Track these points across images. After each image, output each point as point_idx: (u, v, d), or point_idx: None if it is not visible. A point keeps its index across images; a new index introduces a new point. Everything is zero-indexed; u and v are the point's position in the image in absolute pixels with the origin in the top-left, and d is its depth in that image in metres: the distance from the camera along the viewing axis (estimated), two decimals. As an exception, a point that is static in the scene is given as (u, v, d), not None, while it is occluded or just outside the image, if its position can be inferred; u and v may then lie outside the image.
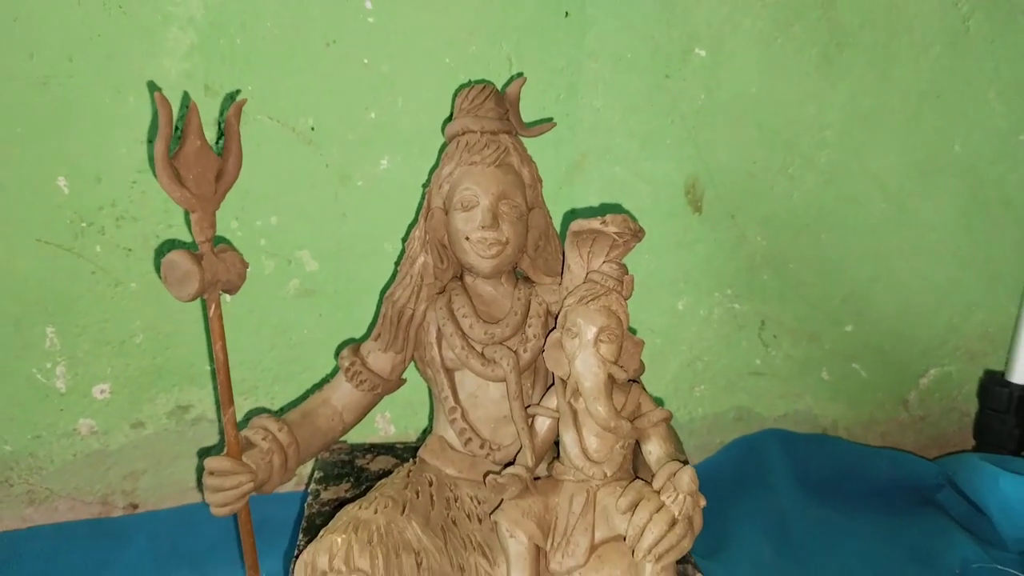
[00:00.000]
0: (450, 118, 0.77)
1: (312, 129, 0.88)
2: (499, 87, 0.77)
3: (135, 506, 0.96)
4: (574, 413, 0.67)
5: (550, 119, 0.83)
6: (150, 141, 0.85)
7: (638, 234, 0.68)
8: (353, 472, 0.83)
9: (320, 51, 0.86)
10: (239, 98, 0.72)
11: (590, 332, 0.66)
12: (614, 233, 0.66)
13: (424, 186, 0.79)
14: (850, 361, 1.10)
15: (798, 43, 0.96)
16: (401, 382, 0.78)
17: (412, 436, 1.00)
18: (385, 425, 0.99)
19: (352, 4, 0.86)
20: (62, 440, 0.92)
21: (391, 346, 0.76)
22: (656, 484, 0.62)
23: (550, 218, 0.77)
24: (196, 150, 0.63)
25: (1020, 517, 0.92)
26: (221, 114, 0.85)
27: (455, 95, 0.78)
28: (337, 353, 0.79)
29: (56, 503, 0.93)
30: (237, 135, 0.65)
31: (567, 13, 0.90)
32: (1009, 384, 1.05)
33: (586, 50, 0.92)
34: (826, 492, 1.02)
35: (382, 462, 0.85)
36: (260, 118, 0.87)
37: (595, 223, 0.67)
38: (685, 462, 0.66)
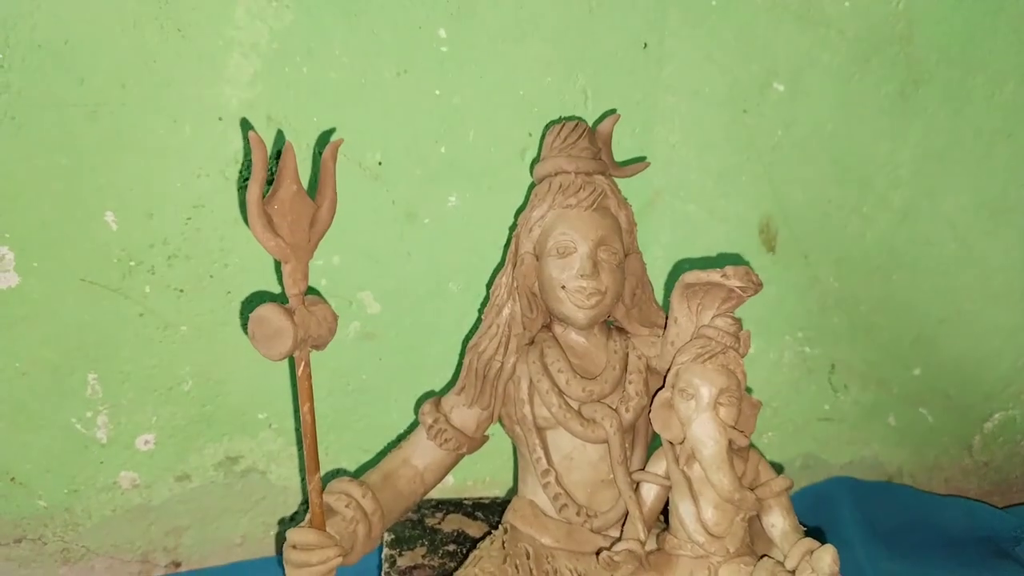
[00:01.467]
0: (537, 157, 0.73)
1: (379, 164, 0.83)
2: (574, 120, 0.72)
3: (178, 564, 0.89)
4: (688, 482, 0.63)
5: (643, 158, 0.78)
6: (228, 175, 0.79)
7: (759, 287, 0.63)
8: (426, 534, 0.77)
9: (390, 81, 0.81)
10: (330, 139, 0.67)
11: (709, 394, 0.61)
12: (738, 288, 0.62)
13: (511, 229, 0.74)
14: (917, 406, 1.06)
15: (875, 79, 0.93)
16: (485, 439, 0.73)
17: (472, 489, 0.95)
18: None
19: (425, 32, 0.81)
20: (101, 494, 0.85)
21: (476, 401, 0.71)
22: (790, 563, 0.58)
23: (644, 264, 0.73)
24: (292, 195, 0.57)
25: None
26: (279, 136, 0.79)
27: (544, 132, 0.73)
28: (417, 407, 0.73)
29: (93, 562, 0.87)
30: (333, 177, 0.60)
31: (645, 45, 0.86)
32: (1085, 431, 1.02)
33: (663, 83, 0.88)
34: (898, 543, 0.98)
35: (454, 522, 0.80)
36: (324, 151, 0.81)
37: (715, 276, 0.62)
38: (810, 535, 0.61)
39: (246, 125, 0.79)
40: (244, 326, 0.82)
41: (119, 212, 0.79)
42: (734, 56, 0.89)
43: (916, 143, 0.96)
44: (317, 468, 0.62)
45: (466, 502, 0.84)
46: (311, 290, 0.66)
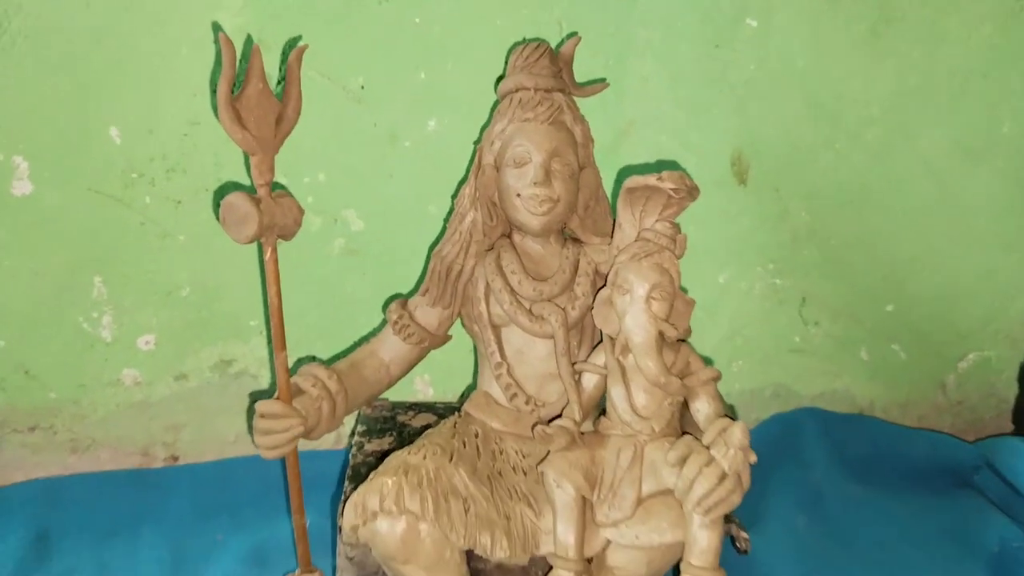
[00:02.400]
0: (503, 76, 0.77)
1: (362, 88, 0.89)
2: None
3: (176, 458, 0.97)
4: (623, 369, 0.67)
5: (603, 79, 0.82)
6: (212, 91, 0.86)
7: (693, 192, 0.68)
8: (396, 427, 0.84)
9: (373, 8, 0.87)
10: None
11: (642, 289, 0.66)
12: (670, 190, 0.66)
13: (476, 144, 0.79)
14: (890, 342, 1.09)
15: (847, 16, 0.95)
16: (447, 338, 0.79)
17: (452, 398, 1.01)
18: (424, 387, 1.00)
19: (407, -37, 0.86)
20: (106, 389, 0.93)
21: (439, 301, 0.76)
22: (706, 439, 0.62)
23: (600, 179, 0.77)
24: (258, 92, 0.63)
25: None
26: (280, 69, 0.85)
27: (509, 53, 0.78)
28: (384, 308, 0.79)
29: (98, 452, 0.95)
30: (298, 80, 0.65)
31: (620, -22, 0.90)
32: (1052, 369, 1.04)
33: (637, 16, 0.92)
34: (862, 471, 1.02)
35: (424, 419, 0.86)
36: (311, 74, 0.87)
37: (651, 179, 0.67)
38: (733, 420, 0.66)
39: (238, 49, 0.85)
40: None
41: (122, 127, 0.86)
42: (706, -9, 0.92)
43: (889, 81, 0.99)
44: (283, 346, 0.68)
45: (439, 405, 0.90)
46: (278, 185, 0.72)
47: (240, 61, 0.76)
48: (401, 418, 0.86)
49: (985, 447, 1.02)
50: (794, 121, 0.98)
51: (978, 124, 1.02)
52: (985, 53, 0.99)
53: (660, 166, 0.97)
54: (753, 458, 0.61)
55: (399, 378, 0.78)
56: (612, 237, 0.72)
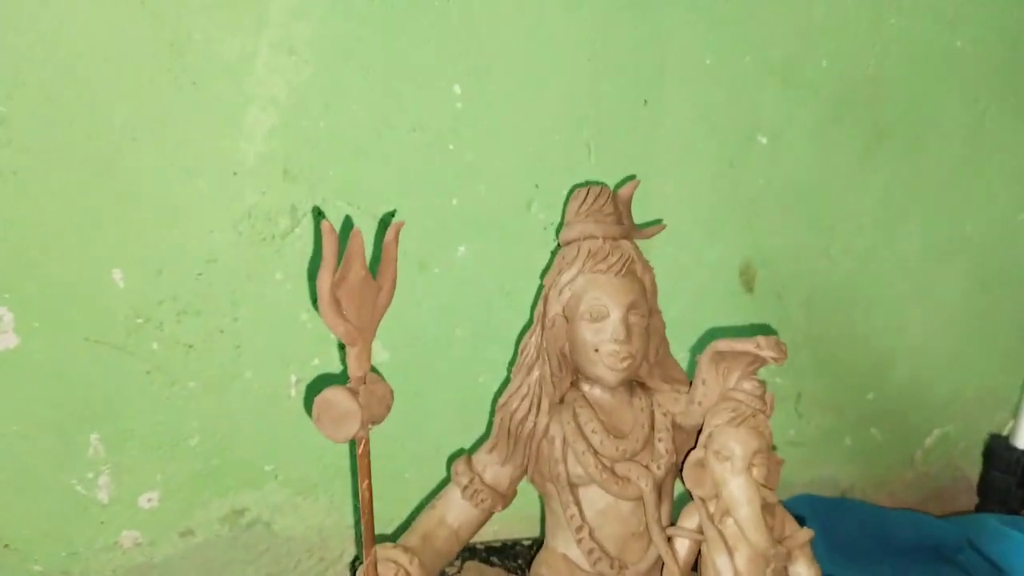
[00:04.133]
0: (561, 221, 0.75)
1: (392, 216, 0.83)
2: (577, 174, 0.75)
3: (181, 620, 0.87)
4: (722, 536, 0.67)
5: (659, 221, 0.82)
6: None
7: (786, 355, 0.68)
8: (448, 585, 0.79)
9: (405, 136, 0.82)
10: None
11: (743, 456, 0.66)
12: (771, 358, 0.66)
13: (538, 289, 0.77)
14: (869, 427, 1.15)
15: (846, 135, 1.00)
16: (515, 496, 0.75)
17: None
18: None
19: (441, 89, 0.81)
20: (101, 555, 0.82)
21: (509, 460, 0.73)
22: (818, 612, 0.63)
23: (664, 323, 0.77)
24: (360, 281, 0.58)
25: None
26: (317, 212, 0.79)
27: (568, 196, 0.76)
28: (449, 461, 0.75)
29: (91, 624, 0.84)
30: (394, 260, 0.61)
31: (646, 102, 0.90)
32: (1014, 449, 1.14)
33: (661, 139, 0.92)
34: (857, 554, 1.07)
35: (472, 571, 0.82)
36: (339, 204, 0.81)
37: (748, 345, 0.67)
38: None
39: (263, 180, 0.78)
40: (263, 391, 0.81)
41: (127, 269, 0.77)
42: (724, 112, 0.93)
43: (878, 192, 1.04)
44: (373, 542, 0.63)
45: (479, 547, 0.86)
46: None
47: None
48: (448, 571, 0.81)
49: (965, 526, 1.10)
50: (796, 231, 1.02)
51: (949, 229, 1.10)
52: (956, 166, 1.07)
53: (674, 281, 0.97)
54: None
55: (467, 544, 0.74)
56: (691, 389, 0.72)
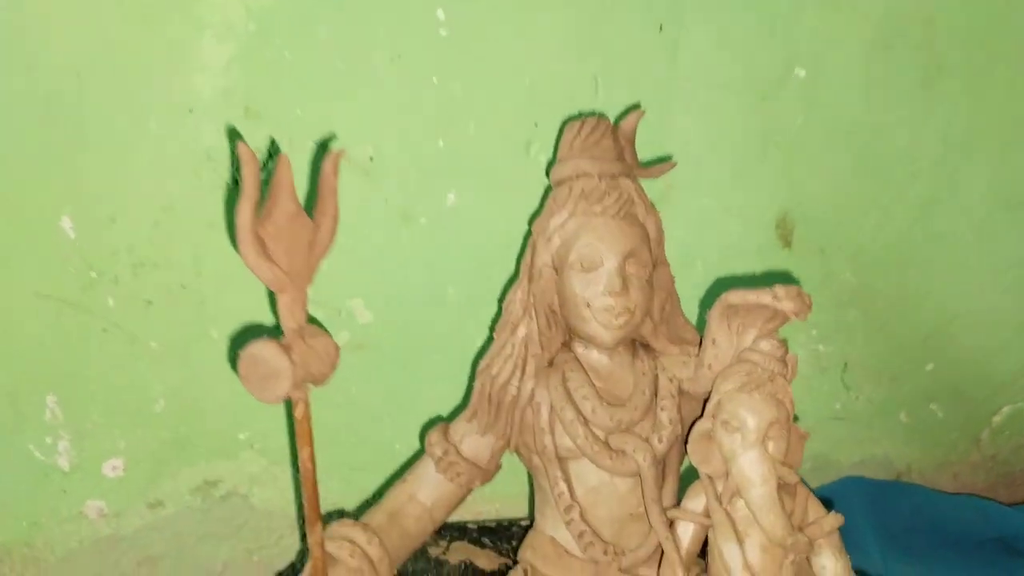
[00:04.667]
0: (553, 157, 0.65)
1: (371, 159, 0.75)
2: (593, 116, 0.65)
3: (153, 598, 0.82)
4: (732, 522, 0.57)
5: (669, 157, 0.71)
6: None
7: (811, 308, 0.57)
8: (431, 567, 0.71)
9: (382, 68, 0.73)
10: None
11: (757, 427, 0.55)
12: (791, 311, 0.56)
13: (525, 236, 0.67)
14: (928, 402, 1.03)
15: (898, 65, 0.87)
16: (498, 469, 0.66)
17: (470, 500, 0.88)
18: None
19: (422, 13, 0.72)
20: (65, 526, 0.77)
21: (490, 429, 0.64)
22: (845, 613, 0.53)
23: (673, 276, 0.66)
24: (289, 217, 0.49)
25: None
26: (272, 144, 0.70)
27: (561, 129, 0.66)
28: (423, 431, 0.67)
29: (59, 599, 0.79)
30: (334, 193, 0.51)
31: (661, 27, 0.79)
32: (1098, 429, 1.00)
33: (680, 69, 0.81)
34: (912, 545, 0.95)
35: (460, 551, 0.74)
36: (310, 145, 0.73)
37: (764, 296, 0.56)
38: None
39: (222, 118, 0.70)
40: (232, 354, 0.74)
41: (77, 217, 0.70)
42: (754, 40, 0.82)
43: (937, 133, 0.91)
44: (319, 518, 0.55)
45: (470, 526, 0.78)
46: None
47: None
48: (432, 551, 0.74)
49: (1037, 516, 0.97)
50: (841, 178, 0.90)
51: (1020, 172, 0.96)
52: (1031, 100, 0.93)
53: (702, 233, 0.87)
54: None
55: (442, 523, 0.65)
56: (700, 351, 0.62)
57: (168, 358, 0.75)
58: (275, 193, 0.49)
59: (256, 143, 0.71)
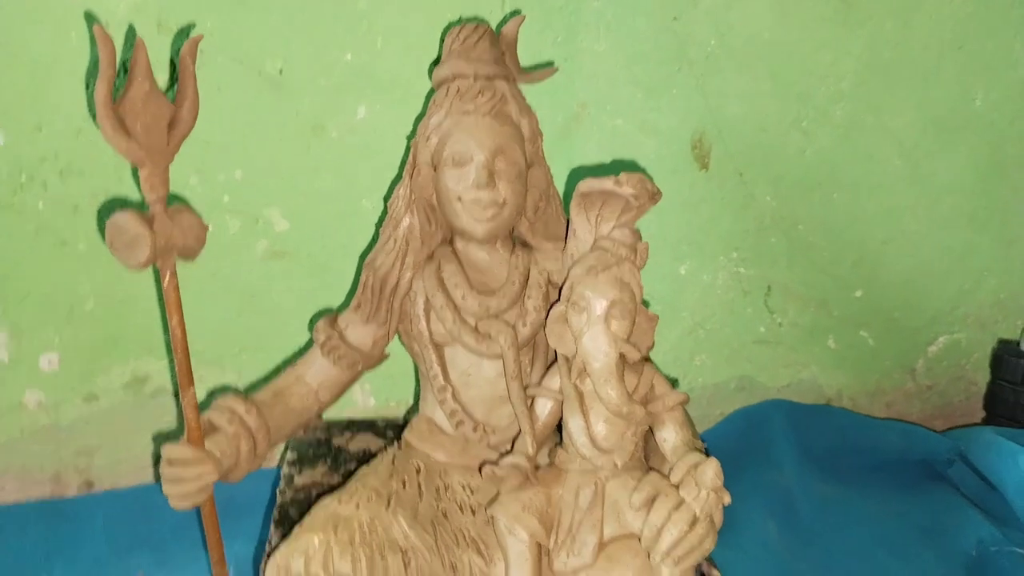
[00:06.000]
0: (438, 61, 0.68)
1: (280, 72, 0.79)
2: (493, 27, 0.68)
3: (90, 484, 0.88)
4: (580, 396, 0.60)
5: (550, 63, 0.74)
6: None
7: (655, 196, 0.60)
8: (330, 452, 0.76)
9: (290, -18, 0.76)
10: (194, 34, 0.63)
11: (600, 307, 0.58)
12: (630, 195, 0.58)
13: (409, 138, 0.71)
14: (858, 328, 1.04)
15: (817, -16, 0.88)
16: (384, 357, 0.71)
17: (395, 410, 0.93)
18: (364, 398, 0.92)
19: (326, -72, 0.76)
20: (6, 416, 0.84)
21: (372, 318, 0.68)
22: (674, 477, 0.56)
23: (551, 176, 0.69)
24: (144, 94, 0.53)
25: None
26: (177, 54, 0.75)
27: (443, 35, 0.69)
28: (312, 323, 0.71)
29: (2, 481, 0.85)
30: (193, 77, 0.56)
31: (567, -56, 0.81)
32: (1024, 355, 1.00)
33: (588, -13, 0.83)
34: (832, 466, 0.97)
35: (362, 441, 0.78)
36: (221, 60, 0.77)
37: (608, 183, 0.59)
38: (705, 451, 0.59)
39: (133, 33, 0.74)
40: None
41: (6, 126, 0.75)
42: (663, -43, 0.84)
43: (860, 54, 0.92)
44: (191, 382, 0.59)
45: (380, 422, 0.82)
46: (177, 199, 0.63)
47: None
48: (336, 441, 0.78)
49: (958, 438, 0.98)
50: (759, 99, 0.91)
51: (951, 98, 0.96)
52: (960, 23, 0.93)
53: (615, 153, 0.89)
54: (727, 499, 0.55)
55: (330, 404, 0.69)
56: (566, 243, 0.65)
57: (96, 260, 0.80)
58: (132, 74, 0.53)
59: (168, 56, 0.76)
